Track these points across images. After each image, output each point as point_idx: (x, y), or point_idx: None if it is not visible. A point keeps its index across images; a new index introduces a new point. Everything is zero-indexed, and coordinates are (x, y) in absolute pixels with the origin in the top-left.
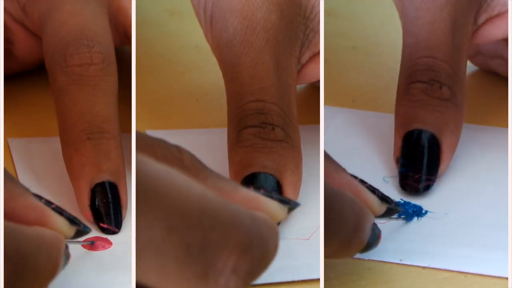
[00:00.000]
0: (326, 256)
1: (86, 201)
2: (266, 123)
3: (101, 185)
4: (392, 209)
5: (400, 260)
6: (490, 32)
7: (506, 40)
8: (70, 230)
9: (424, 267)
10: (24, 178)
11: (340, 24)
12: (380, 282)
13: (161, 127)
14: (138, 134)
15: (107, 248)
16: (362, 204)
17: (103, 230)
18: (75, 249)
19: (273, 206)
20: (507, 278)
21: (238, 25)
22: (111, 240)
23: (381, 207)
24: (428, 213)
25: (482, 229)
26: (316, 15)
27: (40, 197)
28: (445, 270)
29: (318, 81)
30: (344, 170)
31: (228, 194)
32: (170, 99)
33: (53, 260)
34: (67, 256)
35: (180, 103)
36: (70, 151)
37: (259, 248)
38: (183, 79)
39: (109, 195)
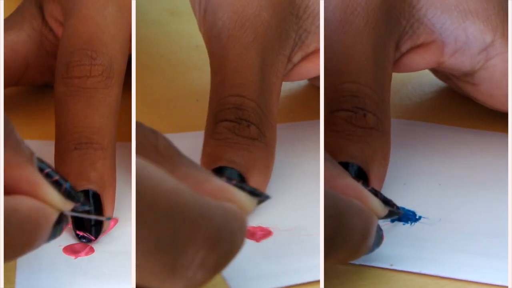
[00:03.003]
0: (331, 263)
1: None
2: (243, 119)
3: (83, 193)
4: (393, 212)
5: (391, 265)
6: (414, 62)
7: (444, 70)
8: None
9: (415, 273)
10: None
11: None
12: (380, 282)
13: (161, 127)
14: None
15: (88, 254)
16: (368, 209)
17: (80, 238)
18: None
19: (243, 197)
20: (498, 286)
21: (227, 20)
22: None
23: (384, 210)
24: (422, 218)
25: (476, 235)
26: (309, 15)
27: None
28: (436, 276)
29: (318, 80)
30: (347, 173)
31: (200, 183)
32: (170, 99)
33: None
34: None
35: (180, 103)
36: (59, 161)
37: (228, 242)
38: (183, 79)
39: (91, 203)
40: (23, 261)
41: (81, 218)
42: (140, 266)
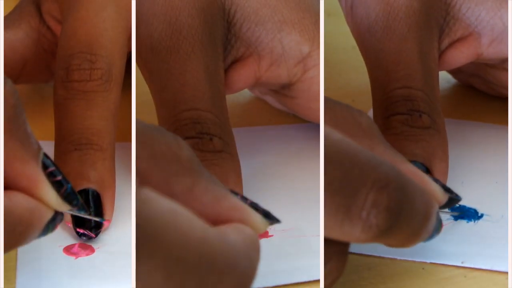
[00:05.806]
0: (391, 245)
1: None
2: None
3: (84, 192)
4: (453, 199)
5: (462, 263)
6: (454, 58)
7: (482, 61)
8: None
9: (424, 268)
10: None
11: (340, 24)
12: (380, 283)
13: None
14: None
15: (88, 255)
16: (429, 192)
17: (80, 235)
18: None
19: (257, 218)
20: None
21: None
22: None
23: (444, 196)
24: (485, 216)
25: None
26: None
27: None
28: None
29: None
30: (407, 160)
31: (217, 199)
32: None
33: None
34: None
35: None
36: (59, 162)
37: (250, 280)
38: None
39: (91, 202)
40: (23, 261)
41: (79, 217)
42: None
